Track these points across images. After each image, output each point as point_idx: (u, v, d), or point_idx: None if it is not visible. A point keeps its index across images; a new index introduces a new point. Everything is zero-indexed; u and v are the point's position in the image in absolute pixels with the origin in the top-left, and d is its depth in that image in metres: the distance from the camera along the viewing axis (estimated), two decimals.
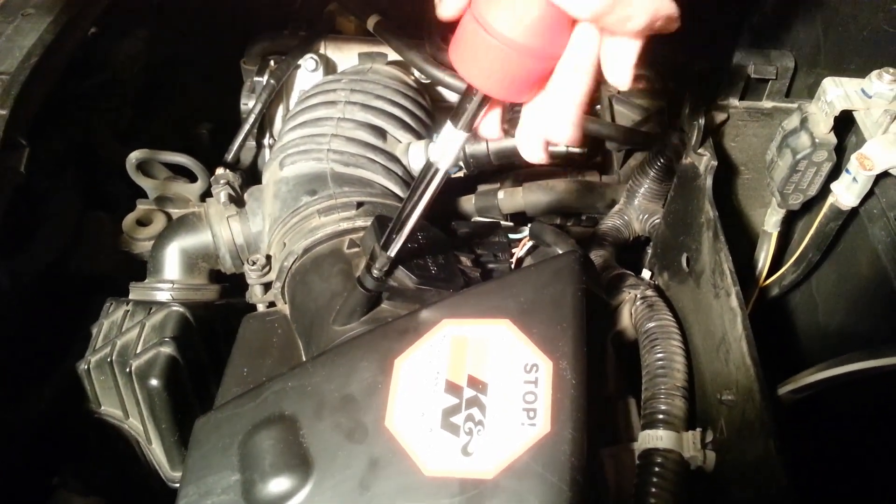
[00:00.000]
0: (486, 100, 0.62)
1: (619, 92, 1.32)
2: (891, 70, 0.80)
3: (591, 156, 1.31)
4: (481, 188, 1.26)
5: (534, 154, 0.65)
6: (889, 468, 0.77)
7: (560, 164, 1.31)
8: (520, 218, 1.22)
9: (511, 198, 1.22)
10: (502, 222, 1.14)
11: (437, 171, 0.67)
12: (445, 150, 0.66)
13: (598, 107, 1.35)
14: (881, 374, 0.65)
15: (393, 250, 0.73)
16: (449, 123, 0.65)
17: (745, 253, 1.04)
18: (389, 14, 1.20)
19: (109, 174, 1.17)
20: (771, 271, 1.01)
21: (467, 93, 0.62)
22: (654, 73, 1.35)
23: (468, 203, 1.23)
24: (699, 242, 0.84)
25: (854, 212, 0.86)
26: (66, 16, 1.06)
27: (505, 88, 0.59)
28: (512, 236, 1.01)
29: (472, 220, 1.23)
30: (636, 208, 1.15)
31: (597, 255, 1.07)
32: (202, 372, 0.92)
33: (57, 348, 0.98)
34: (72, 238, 1.07)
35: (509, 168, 1.30)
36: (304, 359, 0.85)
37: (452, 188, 1.22)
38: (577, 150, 1.28)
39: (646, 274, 1.05)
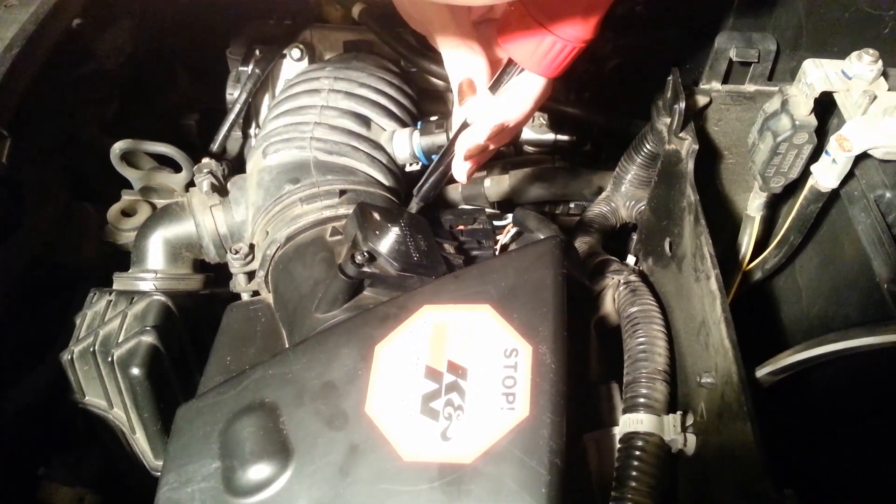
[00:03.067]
0: (521, 72, 0.76)
1: (607, 79, 1.33)
2: (870, 51, 0.79)
3: (578, 143, 1.31)
4: None
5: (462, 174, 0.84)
6: (866, 447, 0.78)
7: (548, 152, 1.31)
8: (506, 206, 1.22)
9: (498, 185, 1.22)
10: (487, 209, 1.14)
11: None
12: (481, 113, 0.80)
13: (587, 94, 1.35)
14: (857, 355, 0.65)
15: (423, 195, 0.87)
16: (487, 91, 0.78)
17: (730, 237, 1.04)
18: (375, 2, 1.20)
19: (95, 165, 1.17)
20: (755, 256, 1.01)
21: (509, 67, 0.76)
22: (641, 60, 1.35)
23: (454, 191, 1.23)
24: (681, 227, 0.84)
25: (835, 194, 0.86)
26: (48, 6, 1.05)
27: (547, 69, 0.73)
28: (496, 223, 1.01)
29: (459, 207, 1.22)
30: (623, 195, 1.15)
31: (582, 242, 1.07)
32: (185, 361, 0.92)
33: (42, 339, 0.98)
34: (57, 229, 1.07)
35: (496, 156, 1.30)
36: (287, 347, 0.85)
37: None
38: (564, 137, 1.28)
39: (631, 260, 1.05)
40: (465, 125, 0.81)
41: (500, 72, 0.77)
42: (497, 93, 0.78)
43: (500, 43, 0.75)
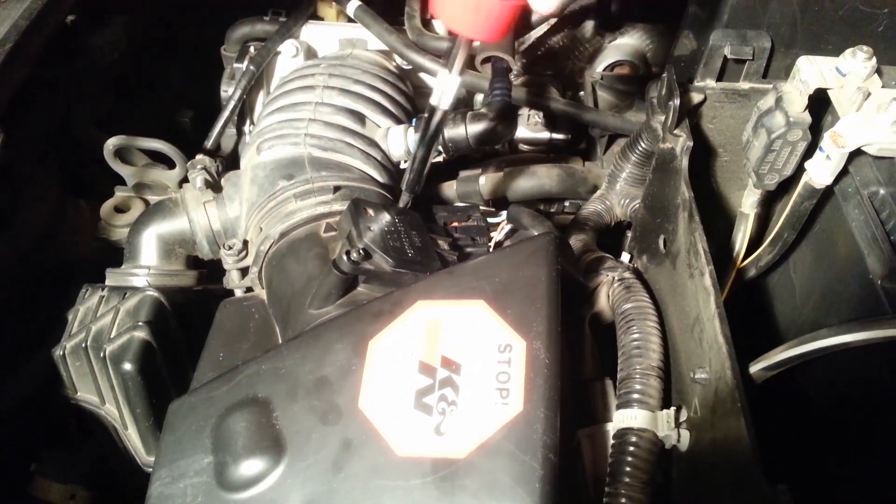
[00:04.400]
0: (469, 44, 0.75)
1: (602, 77, 1.33)
2: (864, 48, 0.80)
3: (573, 142, 1.31)
4: (463, 174, 1.25)
5: None
6: (859, 442, 0.78)
7: (543, 150, 1.31)
8: (501, 203, 1.22)
9: (492, 183, 1.22)
10: (481, 206, 1.14)
11: (438, 111, 0.81)
12: (443, 93, 0.80)
13: (582, 93, 1.35)
14: (850, 350, 0.65)
15: (409, 185, 0.88)
16: (443, 70, 0.78)
17: (724, 235, 1.04)
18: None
19: (89, 161, 1.17)
20: (749, 253, 1.01)
21: (453, 39, 0.76)
22: (637, 58, 1.35)
23: (449, 189, 1.23)
24: (675, 224, 0.84)
25: (829, 191, 0.86)
26: (42, 1, 1.04)
27: (484, 31, 0.71)
28: (490, 220, 1.01)
29: (453, 204, 1.22)
30: (618, 193, 1.15)
31: (577, 240, 1.07)
32: (177, 357, 0.91)
33: (34, 335, 0.98)
34: (49, 224, 1.06)
35: (492, 154, 1.30)
36: (280, 343, 0.85)
37: (434, 174, 1.22)
38: (560, 136, 1.28)
39: (625, 257, 1.05)
40: (434, 110, 0.81)
41: (448, 47, 0.78)
42: (455, 69, 0.78)
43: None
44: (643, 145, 1.06)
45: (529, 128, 1.28)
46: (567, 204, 1.27)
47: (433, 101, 0.81)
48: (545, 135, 1.28)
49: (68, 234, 1.09)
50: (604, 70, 1.36)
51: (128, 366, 0.84)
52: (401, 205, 0.88)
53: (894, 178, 0.81)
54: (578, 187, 1.22)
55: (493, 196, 1.22)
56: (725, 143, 1.00)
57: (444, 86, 0.80)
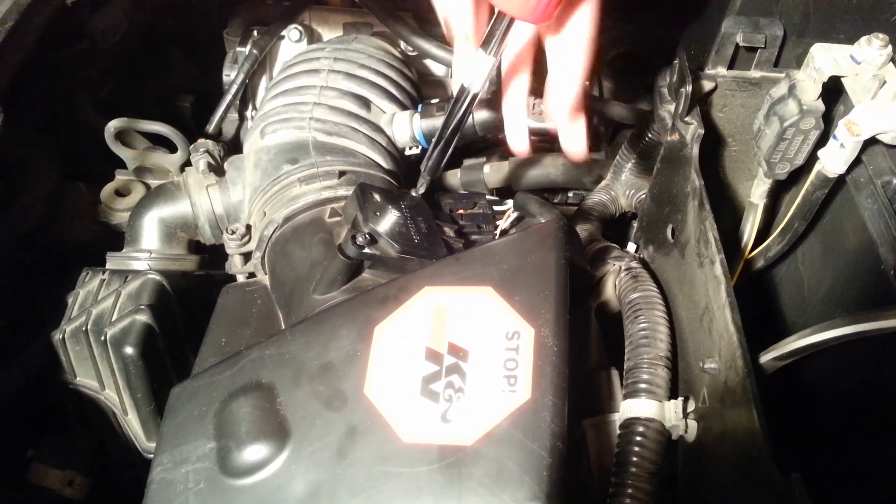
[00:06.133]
0: (511, 23, 0.70)
1: (606, 66, 1.31)
2: (880, 35, 0.79)
3: None
4: (467, 162, 1.24)
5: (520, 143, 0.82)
6: (871, 435, 0.77)
7: (547, 140, 1.30)
8: (505, 193, 1.21)
9: (497, 172, 1.21)
10: (487, 195, 1.13)
11: (468, 94, 0.77)
12: (476, 74, 0.75)
13: (587, 82, 1.34)
14: (861, 340, 0.64)
15: (430, 169, 0.85)
16: (481, 50, 0.73)
17: (732, 226, 1.03)
18: None
19: (88, 144, 1.15)
20: (757, 244, 1.01)
21: (497, 19, 0.70)
22: (643, 48, 1.34)
23: (454, 177, 1.22)
24: (684, 212, 0.83)
25: (841, 182, 0.86)
26: None
27: (536, 12, 0.66)
28: (496, 208, 1.00)
29: (458, 192, 1.21)
30: (623, 184, 1.14)
31: (582, 229, 1.06)
32: (179, 342, 0.90)
33: (33, 319, 0.96)
34: (48, 208, 1.05)
35: (496, 143, 1.29)
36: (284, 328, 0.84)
37: None
38: None
39: (631, 247, 1.04)
40: (465, 91, 0.77)
41: (490, 27, 0.71)
42: (492, 50, 0.72)
43: None
44: (650, 135, 1.05)
45: (533, 117, 1.27)
46: (571, 195, 1.26)
47: (465, 82, 0.76)
48: (549, 125, 1.27)
49: (67, 217, 1.08)
50: (609, 59, 1.34)
51: (129, 349, 0.83)
52: (419, 188, 0.86)
53: None
54: (583, 177, 1.21)
55: (497, 185, 1.21)
56: (735, 132, 0.99)
57: (477, 67, 0.74)
